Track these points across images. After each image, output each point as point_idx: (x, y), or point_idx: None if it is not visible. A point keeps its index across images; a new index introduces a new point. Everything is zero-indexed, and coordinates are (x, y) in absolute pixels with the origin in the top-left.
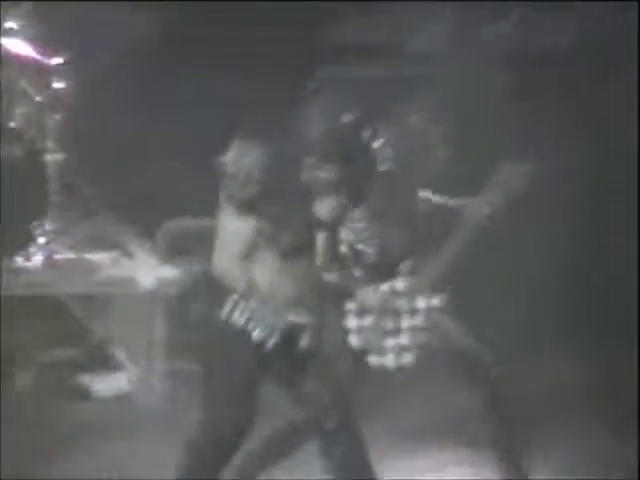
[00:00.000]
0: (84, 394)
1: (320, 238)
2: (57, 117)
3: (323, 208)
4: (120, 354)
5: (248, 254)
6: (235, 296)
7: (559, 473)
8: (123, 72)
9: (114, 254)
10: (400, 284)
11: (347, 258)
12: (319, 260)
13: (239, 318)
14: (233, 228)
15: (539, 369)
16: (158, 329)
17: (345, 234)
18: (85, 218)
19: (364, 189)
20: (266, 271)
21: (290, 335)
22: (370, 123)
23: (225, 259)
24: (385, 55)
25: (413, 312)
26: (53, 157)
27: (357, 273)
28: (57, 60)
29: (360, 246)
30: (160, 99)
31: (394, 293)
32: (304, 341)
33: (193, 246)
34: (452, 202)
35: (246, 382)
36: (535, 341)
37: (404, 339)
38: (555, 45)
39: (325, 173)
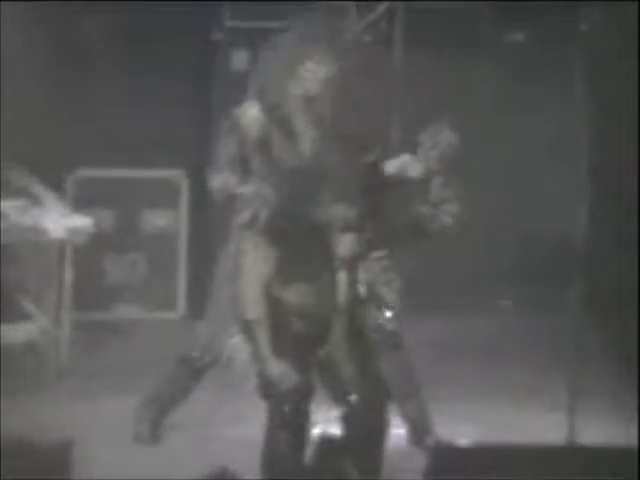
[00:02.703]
0: None
1: (340, 276)
2: None
3: (342, 245)
4: (28, 303)
5: (267, 283)
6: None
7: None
8: None
9: (22, 202)
10: None
11: (366, 299)
12: (340, 298)
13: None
14: (252, 257)
15: None
16: (67, 278)
17: (365, 274)
18: None
19: (391, 229)
20: (282, 303)
21: None
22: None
23: (244, 285)
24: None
25: None
26: None
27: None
28: None
29: (380, 288)
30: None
31: None
32: None
33: (102, 195)
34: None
35: None
36: None
37: None
38: None
39: (344, 210)
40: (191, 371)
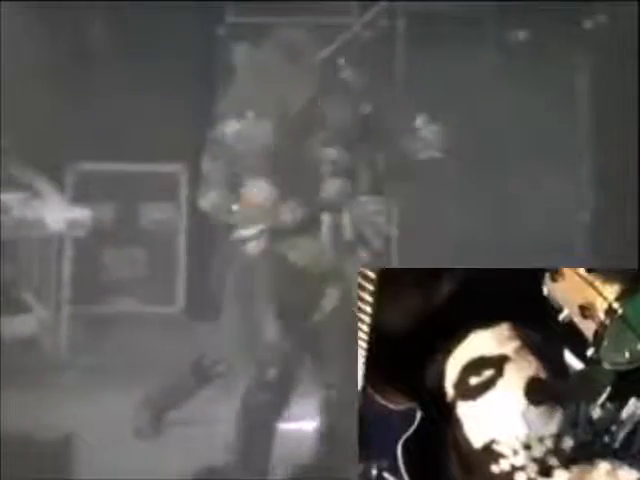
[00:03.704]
0: None
1: (324, 219)
2: None
3: (329, 189)
4: (28, 296)
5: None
6: None
7: None
8: None
9: (22, 195)
10: None
11: (352, 242)
12: (323, 240)
13: None
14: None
15: None
16: (66, 271)
17: (352, 218)
18: None
19: (380, 175)
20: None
21: None
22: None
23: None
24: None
25: None
26: None
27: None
28: None
29: (367, 232)
30: None
31: None
32: None
33: (102, 188)
34: None
35: None
36: None
37: None
38: None
39: (336, 154)
40: (201, 378)
